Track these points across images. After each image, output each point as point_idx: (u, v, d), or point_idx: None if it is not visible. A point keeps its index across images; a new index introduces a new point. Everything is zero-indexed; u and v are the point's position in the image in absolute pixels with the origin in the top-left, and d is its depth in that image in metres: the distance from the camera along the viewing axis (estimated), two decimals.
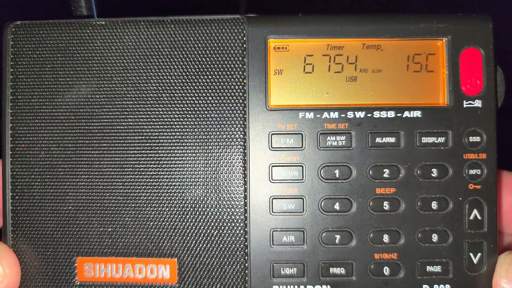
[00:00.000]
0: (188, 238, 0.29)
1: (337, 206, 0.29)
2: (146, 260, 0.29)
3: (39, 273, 0.29)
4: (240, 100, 0.29)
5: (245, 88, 0.29)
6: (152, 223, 0.29)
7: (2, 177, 0.30)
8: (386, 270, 0.29)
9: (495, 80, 0.29)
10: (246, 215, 0.29)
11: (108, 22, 0.30)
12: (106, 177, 0.29)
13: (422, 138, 0.29)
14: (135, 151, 0.29)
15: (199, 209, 0.29)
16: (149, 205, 0.29)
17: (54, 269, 0.29)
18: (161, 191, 0.29)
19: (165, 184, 0.29)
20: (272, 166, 0.29)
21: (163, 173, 0.29)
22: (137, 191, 0.29)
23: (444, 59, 0.29)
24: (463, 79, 0.29)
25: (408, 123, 0.29)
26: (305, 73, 0.29)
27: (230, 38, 0.29)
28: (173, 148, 0.29)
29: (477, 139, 0.29)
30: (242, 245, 0.29)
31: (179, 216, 0.29)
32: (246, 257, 0.29)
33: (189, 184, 0.29)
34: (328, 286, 0.29)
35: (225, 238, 0.29)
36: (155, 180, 0.29)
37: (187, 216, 0.29)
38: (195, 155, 0.29)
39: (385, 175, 0.29)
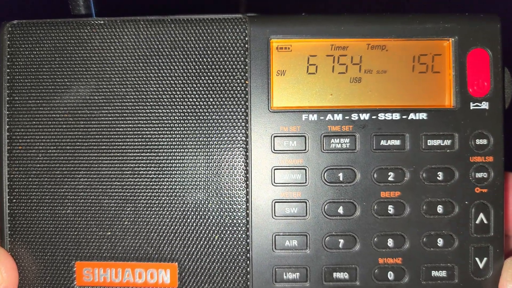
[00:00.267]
0: (189, 242, 0.28)
1: (340, 210, 0.28)
2: (146, 264, 0.29)
3: (37, 277, 0.29)
4: (242, 102, 0.29)
5: (247, 89, 0.29)
6: (152, 227, 0.28)
7: None
8: (391, 275, 0.28)
9: (502, 82, 0.28)
10: (248, 219, 0.28)
11: (107, 21, 0.29)
12: (105, 180, 0.29)
13: (428, 140, 0.28)
14: (135, 154, 0.29)
15: (200, 213, 0.28)
16: (149, 209, 0.29)
17: (52, 274, 0.29)
18: (161, 194, 0.28)
19: (165, 187, 0.28)
20: (275, 169, 0.29)
21: (163, 175, 0.28)
22: (136, 194, 0.29)
23: (450, 60, 0.29)
24: (470, 80, 0.28)
25: (413, 125, 0.28)
26: (309, 74, 0.29)
27: (231, 38, 0.29)
28: (173, 150, 0.29)
29: (484, 141, 0.28)
30: (244, 250, 0.28)
31: (180, 220, 0.28)
32: (248, 262, 0.28)
33: (189, 187, 0.28)
34: None
35: (226, 242, 0.28)
36: (155, 183, 0.28)
37: (188, 220, 0.28)
38: (196, 157, 0.29)
39: (390, 179, 0.28)
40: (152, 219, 0.28)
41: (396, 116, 0.28)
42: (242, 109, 0.29)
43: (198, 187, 0.28)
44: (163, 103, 0.29)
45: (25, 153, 0.29)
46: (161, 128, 0.29)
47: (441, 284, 0.28)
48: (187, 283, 0.28)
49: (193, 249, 0.28)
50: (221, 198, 0.28)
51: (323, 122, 0.28)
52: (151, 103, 0.29)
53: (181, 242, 0.28)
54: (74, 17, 0.31)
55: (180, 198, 0.28)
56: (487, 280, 0.28)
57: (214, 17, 0.29)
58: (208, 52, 0.29)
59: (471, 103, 0.28)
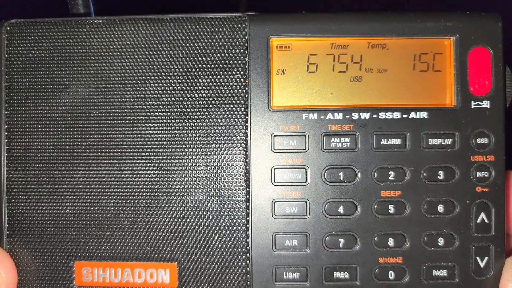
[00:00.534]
0: (189, 242, 0.28)
1: (341, 210, 0.28)
2: (145, 264, 0.28)
3: (36, 277, 0.29)
4: (242, 101, 0.28)
5: (246, 88, 0.28)
6: (151, 226, 0.28)
7: None
8: (391, 275, 0.28)
9: (504, 80, 0.28)
10: (248, 218, 0.28)
11: (106, 20, 0.29)
12: (104, 180, 0.28)
13: (429, 139, 0.28)
14: (134, 153, 0.28)
15: (200, 212, 0.28)
16: (149, 208, 0.28)
17: (51, 274, 0.29)
18: (160, 193, 0.28)
19: (164, 186, 0.28)
20: (275, 169, 0.28)
21: (162, 175, 0.28)
22: (136, 193, 0.28)
23: (451, 59, 0.28)
24: (471, 79, 0.28)
25: (414, 124, 0.28)
26: (309, 73, 0.29)
27: (231, 36, 0.28)
28: (172, 149, 0.28)
29: (485, 140, 0.28)
30: (243, 249, 0.28)
31: (179, 220, 0.28)
32: (248, 262, 0.28)
33: (189, 186, 0.28)
34: None
35: (226, 242, 0.28)
36: (154, 183, 0.28)
37: (188, 220, 0.28)
38: (195, 157, 0.28)
39: (391, 178, 0.28)
40: (151, 219, 0.28)
41: (397, 115, 0.28)
42: (242, 108, 0.28)
43: (197, 187, 0.28)
44: (163, 102, 0.28)
45: (23, 152, 0.29)
46: (160, 127, 0.28)
47: (442, 284, 0.28)
48: (186, 283, 0.28)
49: (193, 249, 0.28)
50: (221, 198, 0.28)
51: (323, 121, 0.28)
52: (150, 102, 0.29)
53: (180, 241, 0.28)
54: (73, 16, 0.30)
55: (179, 198, 0.28)
56: (488, 280, 0.28)
57: (213, 16, 0.29)
58: (208, 51, 0.28)
59: (472, 102, 0.28)
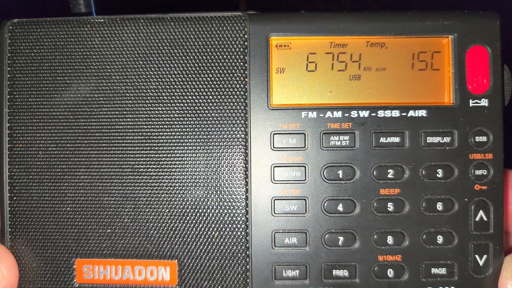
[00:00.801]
0: (189, 239, 0.28)
1: (340, 207, 0.28)
2: (146, 262, 0.29)
3: (38, 274, 0.29)
4: (242, 99, 0.29)
5: (246, 86, 0.29)
6: (152, 224, 0.29)
7: None
8: (390, 272, 0.28)
9: (502, 79, 0.28)
10: (247, 216, 0.28)
11: (107, 19, 0.29)
12: (105, 178, 0.29)
13: (427, 138, 0.28)
14: (135, 151, 0.29)
15: (200, 210, 0.28)
16: (149, 206, 0.29)
17: (52, 271, 0.29)
18: (161, 191, 0.29)
19: (165, 184, 0.29)
20: (274, 167, 0.29)
21: (163, 173, 0.29)
22: (136, 191, 0.29)
23: (450, 57, 0.29)
24: (469, 78, 0.28)
25: (413, 122, 0.28)
26: (308, 72, 0.29)
27: (231, 35, 0.29)
28: (173, 148, 0.29)
29: (484, 138, 0.28)
30: (243, 247, 0.28)
31: (179, 217, 0.28)
32: (248, 259, 0.28)
33: (189, 184, 0.28)
34: None
35: (226, 240, 0.28)
36: (155, 181, 0.29)
37: (188, 217, 0.28)
38: (195, 155, 0.29)
39: (389, 176, 0.28)
40: (151, 217, 0.29)
41: (396, 113, 0.28)
42: (242, 107, 0.29)
43: (197, 185, 0.28)
44: (163, 100, 0.29)
45: (25, 150, 0.29)
46: (160, 126, 0.29)
47: (441, 282, 0.28)
48: (186, 280, 0.28)
49: (193, 247, 0.28)
50: (221, 195, 0.28)
51: (323, 120, 0.28)
52: (151, 101, 0.29)
53: (180, 239, 0.28)
54: (74, 15, 0.31)
55: (179, 196, 0.29)
56: (487, 278, 0.28)
57: (213, 15, 0.29)
58: (208, 50, 0.29)
59: (470, 100, 0.28)
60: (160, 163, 0.29)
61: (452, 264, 0.28)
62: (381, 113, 0.28)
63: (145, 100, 0.29)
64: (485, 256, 0.28)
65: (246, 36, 0.29)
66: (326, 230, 0.28)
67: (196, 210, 0.28)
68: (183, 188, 0.28)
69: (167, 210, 0.29)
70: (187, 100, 0.29)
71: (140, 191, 0.29)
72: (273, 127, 0.29)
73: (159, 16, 0.29)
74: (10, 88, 0.29)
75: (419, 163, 0.28)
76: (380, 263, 0.28)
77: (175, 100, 0.29)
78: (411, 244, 0.28)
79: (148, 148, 0.29)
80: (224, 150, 0.29)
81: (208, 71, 0.29)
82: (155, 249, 0.29)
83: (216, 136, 0.29)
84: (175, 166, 0.29)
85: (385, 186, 0.28)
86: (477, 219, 0.28)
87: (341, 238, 0.28)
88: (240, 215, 0.28)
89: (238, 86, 0.29)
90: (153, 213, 0.29)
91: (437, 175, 0.28)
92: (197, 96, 0.29)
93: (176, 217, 0.28)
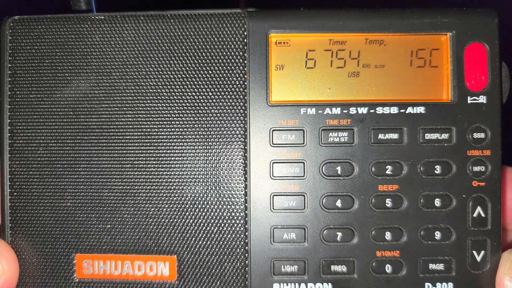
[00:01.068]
0: (188, 235, 0.29)
1: (338, 203, 0.28)
2: (145, 257, 0.29)
3: (38, 269, 0.29)
4: (241, 96, 0.29)
5: (245, 83, 0.29)
6: (151, 220, 0.29)
7: (0, 173, 0.29)
8: (388, 268, 0.28)
9: (500, 76, 0.29)
10: (246, 212, 0.29)
11: (107, 16, 0.29)
12: (105, 174, 0.29)
13: (426, 134, 0.28)
14: (135, 147, 0.29)
15: (199, 206, 0.29)
16: (149, 202, 0.29)
17: (52, 266, 0.29)
18: (160, 187, 0.29)
19: (164, 180, 0.29)
20: (273, 163, 0.29)
21: (162, 169, 0.29)
22: (136, 187, 0.29)
23: (448, 54, 0.29)
24: (468, 75, 0.29)
25: (411, 119, 0.28)
26: (307, 68, 0.29)
27: (230, 32, 0.29)
28: (172, 144, 0.29)
29: (482, 135, 0.28)
30: (242, 242, 0.28)
31: (179, 213, 0.29)
32: (246, 254, 0.28)
33: (188, 180, 0.29)
34: (329, 284, 0.28)
35: (225, 235, 0.29)
36: (154, 177, 0.29)
37: (187, 213, 0.29)
38: (195, 151, 0.29)
39: (388, 172, 0.28)
40: (151, 212, 0.29)
41: (394, 110, 0.29)
42: (241, 103, 0.29)
43: (197, 181, 0.29)
44: (163, 97, 0.29)
45: (26, 146, 0.29)
46: (160, 122, 0.29)
47: (439, 277, 0.28)
48: (186, 275, 0.29)
49: (192, 242, 0.29)
50: (220, 192, 0.29)
51: (321, 116, 0.29)
52: (150, 97, 0.29)
53: (180, 235, 0.29)
54: (75, 13, 0.31)
55: (179, 192, 0.29)
56: (484, 273, 0.28)
57: (213, 12, 0.29)
58: (208, 46, 0.29)
59: (468, 97, 0.28)
60: (160, 159, 0.29)
61: (449, 260, 0.28)
62: (379, 110, 0.29)
63: (145, 97, 0.29)
64: (482, 252, 0.28)
65: (245, 33, 0.29)
66: (324, 226, 0.28)
67: (195, 206, 0.29)
68: (183, 184, 0.29)
69: (166, 206, 0.29)
70: (187, 97, 0.29)
71: (140, 187, 0.29)
72: (272, 123, 0.29)
73: (159, 13, 0.29)
74: (11, 84, 0.29)
75: (417, 160, 0.28)
76: (378, 259, 0.28)
77: (175, 97, 0.29)
78: (409, 240, 0.28)
79: (148, 144, 0.29)
80: (224, 146, 0.29)
81: (207, 67, 0.29)
82: (154, 245, 0.29)
83: (216, 132, 0.29)
84: (174, 162, 0.29)
85: (384, 182, 0.28)
86: (474, 215, 0.28)
87: (339, 234, 0.28)
88: (239, 210, 0.29)
89: (237, 83, 0.29)
90: (152, 209, 0.29)
91: (435, 171, 0.28)
92: (197, 93, 0.29)
93: (175, 213, 0.29)
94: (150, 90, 0.29)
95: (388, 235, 0.28)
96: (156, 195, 0.29)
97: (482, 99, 0.28)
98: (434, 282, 0.28)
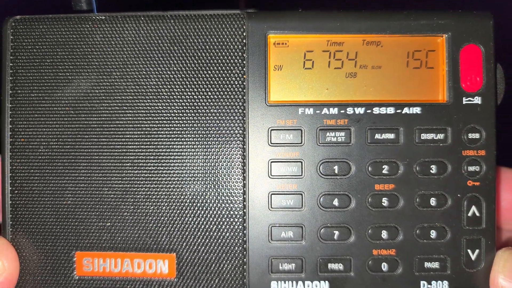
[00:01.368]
0: (187, 233, 0.29)
1: (336, 202, 0.29)
2: (144, 255, 0.29)
3: (38, 267, 0.29)
4: (240, 96, 0.29)
5: (244, 83, 0.29)
6: (151, 218, 0.29)
7: (1, 171, 0.30)
8: (384, 266, 0.29)
9: (495, 77, 0.29)
10: (245, 210, 0.29)
11: (108, 17, 0.30)
12: (105, 172, 0.29)
13: (422, 134, 0.29)
14: (134, 146, 0.29)
15: (198, 204, 0.29)
16: (148, 200, 0.29)
17: (53, 264, 0.29)
18: (160, 186, 0.29)
19: (164, 179, 0.29)
20: (271, 162, 0.29)
21: (162, 168, 0.29)
22: (136, 186, 0.29)
23: (444, 56, 0.29)
24: (463, 76, 0.29)
25: (407, 119, 0.29)
26: (305, 69, 0.29)
27: (230, 33, 0.29)
28: (172, 143, 0.29)
29: (476, 136, 0.29)
30: (240, 241, 0.29)
31: (178, 211, 0.29)
32: (245, 252, 0.29)
33: (188, 179, 0.29)
34: (327, 282, 0.29)
35: (223, 234, 0.29)
36: (154, 175, 0.29)
37: (186, 211, 0.29)
38: (194, 150, 0.29)
39: (384, 171, 0.29)
40: (151, 211, 0.29)
41: (391, 110, 0.29)
42: (240, 103, 0.29)
43: (196, 180, 0.29)
44: (162, 97, 0.29)
45: (27, 145, 0.29)
46: (160, 122, 0.29)
47: (434, 275, 0.29)
48: (185, 273, 0.29)
49: (191, 240, 0.29)
50: (219, 190, 0.29)
51: (319, 116, 0.29)
52: (150, 97, 0.29)
53: (179, 233, 0.29)
54: (76, 13, 0.31)
55: (178, 190, 0.29)
56: (479, 272, 0.29)
57: (212, 13, 0.29)
58: (207, 47, 0.29)
59: (464, 98, 0.29)
60: (160, 158, 0.29)
61: (445, 259, 0.29)
62: (376, 110, 0.29)
63: (145, 96, 0.29)
64: (477, 250, 0.29)
65: (244, 34, 0.29)
66: (321, 224, 0.29)
67: (194, 204, 0.29)
68: (182, 183, 0.29)
69: (166, 204, 0.29)
70: (186, 96, 0.29)
71: (140, 185, 0.29)
72: (271, 123, 0.29)
73: (159, 14, 0.29)
74: (12, 83, 0.30)
75: (413, 159, 0.29)
76: (375, 257, 0.29)
77: (175, 96, 0.29)
78: (405, 238, 0.29)
79: (148, 143, 0.29)
80: (223, 146, 0.29)
81: (207, 68, 0.29)
82: (154, 242, 0.29)
83: (215, 131, 0.29)
84: (174, 161, 0.29)
85: (380, 182, 0.29)
86: (469, 214, 0.29)
87: (336, 232, 0.29)
88: (238, 209, 0.29)
89: (236, 83, 0.29)
90: (152, 207, 0.29)
91: (431, 171, 0.29)
92: (196, 93, 0.29)
93: (174, 211, 0.29)
94: (150, 90, 0.29)
95: (384, 234, 0.29)
96: (156, 193, 0.29)
97: (477, 100, 0.29)
98: (429, 281, 0.29)
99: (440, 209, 0.29)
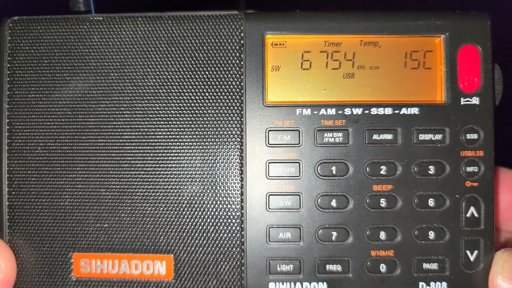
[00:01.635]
0: (185, 234, 0.29)
1: (333, 203, 0.29)
2: (142, 256, 0.29)
3: (35, 268, 0.29)
4: (237, 96, 0.29)
5: (242, 84, 0.29)
6: (148, 219, 0.29)
7: None
8: (383, 267, 0.29)
9: (492, 78, 0.29)
10: (242, 211, 0.29)
11: (106, 17, 0.30)
12: (102, 173, 0.29)
13: (419, 135, 0.29)
14: (132, 147, 0.29)
15: (196, 205, 0.29)
16: (146, 201, 0.29)
17: (50, 265, 0.29)
18: (157, 187, 0.29)
19: (161, 180, 0.29)
20: (269, 163, 0.29)
21: (159, 169, 0.29)
22: (133, 187, 0.29)
23: (441, 56, 0.29)
24: (461, 76, 0.29)
25: (405, 120, 0.29)
26: (303, 70, 0.29)
27: (227, 34, 0.29)
28: (169, 144, 0.29)
29: (475, 136, 0.29)
30: (238, 242, 0.29)
31: (176, 212, 0.29)
32: (243, 254, 0.29)
33: (185, 180, 0.29)
34: (325, 283, 0.29)
35: (221, 235, 0.29)
36: (151, 176, 0.29)
37: (184, 212, 0.29)
38: (191, 151, 0.29)
39: (382, 172, 0.29)
40: (148, 212, 0.29)
41: (388, 111, 0.29)
42: (238, 104, 0.29)
43: (193, 180, 0.29)
44: (160, 98, 0.29)
45: (24, 146, 0.29)
46: (157, 122, 0.29)
47: (432, 277, 0.28)
48: (182, 274, 0.29)
49: (189, 241, 0.29)
50: (217, 191, 0.29)
51: (317, 117, 0.29)
52: (148, 98, 0.29)
53: (176, 234, 0.29)
54: (74, 13, 0.31)
55: (176, 191, 0.29)
56: (477, 273, 0.28)
57: (210, 13, 0.29)
58: (205, 48, 0.29)
59: (461, 98, 0.29)
60: (157, 158, 0.29)
61: (443, 260, 0.29)
62: (374, 111, 0.29)
63: (142, 97, 0.29)
64: (476, 251, 0.28)
65: (242, 35, 0.29)
66: (319, 225, 0.29)
67: (192, 205, 0.29)
68: (180, 184, 0.29)
69: (163, 205, 0.29)
70: (184, 97, 0.29)
71: (137, 186, 0.29)
72: (268, 123, 0.29)
73: (157, 15, 0.29)
74: (9, 84, 0.29)
75: (411, 160, 0.29)
76: (373, 258, 0.29)
77: (172, 97, 0.29)
78: (403, 239, 0.29)
79: (145, 144, 0.29)
80: (220, 146, 0.29)
81: (204, 68, 0.29)
82: (151, 244, 0.29)
83: (212, 132, 0.29)
84: (171, 162, 0.29)
85: (378, 182, 0.29)
86: (468, 215, 0.29)
87: (334, 234, 0.29)
88: (236, 210, 0.29)
89: (234, 84, 0.29)
90: (149, 208, 0.29)
91: (429, 171, 0.29)
92: (194, 93, 0.29)
93: (172, 212, 0.29)
94: (148, 91, 0.29)
95: (382, 235, 0.29)
96: (153, 194, 0.29)
97: (475, 100, 0.29)
98: (428, 282, 0.28)
99: (439, 210, 0.29)
